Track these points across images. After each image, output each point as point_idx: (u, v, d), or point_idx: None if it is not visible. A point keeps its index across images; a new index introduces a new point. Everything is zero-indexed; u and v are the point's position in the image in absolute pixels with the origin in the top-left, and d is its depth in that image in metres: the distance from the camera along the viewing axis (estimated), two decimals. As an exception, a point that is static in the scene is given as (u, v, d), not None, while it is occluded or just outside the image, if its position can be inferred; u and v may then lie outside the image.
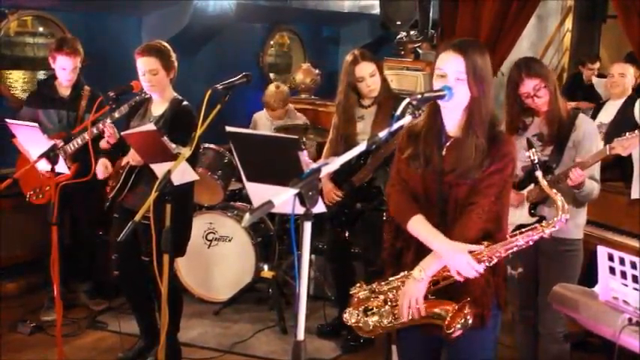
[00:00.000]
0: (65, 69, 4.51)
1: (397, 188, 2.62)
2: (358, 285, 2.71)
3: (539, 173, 2.61)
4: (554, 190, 2.56)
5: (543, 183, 2.58)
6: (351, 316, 2.67)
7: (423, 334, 2.55)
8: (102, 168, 3.83)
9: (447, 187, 2.49)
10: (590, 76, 7.33)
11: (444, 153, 2.51)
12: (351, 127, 4.18)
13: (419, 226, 2.51)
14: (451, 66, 2.42)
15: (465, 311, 2.41)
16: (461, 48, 2.43)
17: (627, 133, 3.21)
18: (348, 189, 4.19)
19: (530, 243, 2.45)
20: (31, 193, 4.49)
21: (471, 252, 2.40)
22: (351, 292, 2.72)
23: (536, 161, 2.67)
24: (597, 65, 7.38)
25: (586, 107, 7.52)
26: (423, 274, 2.46)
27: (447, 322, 2.42)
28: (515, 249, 2.44)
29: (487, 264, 2.43)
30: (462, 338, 2.43)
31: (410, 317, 2.49)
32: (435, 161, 2.51)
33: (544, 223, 2.47)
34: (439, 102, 2.44)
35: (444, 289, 2.50)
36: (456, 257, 2.40)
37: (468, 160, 2.43)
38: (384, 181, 4.11)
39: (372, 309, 2.63)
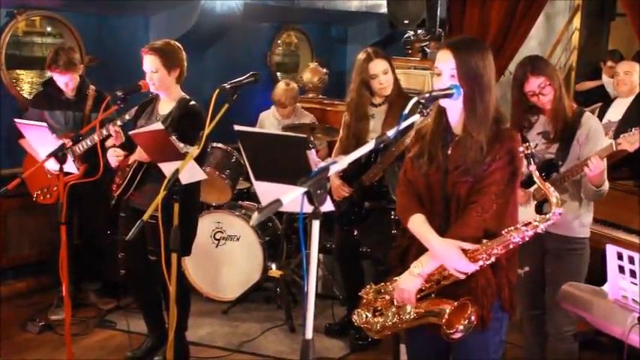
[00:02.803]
0: (60, 82, 4.53)
1: (402, 189, 2.64)
2: (368, 286, 2.71)
3: (532, 167, 2.53)
4: (548, 185, 2.51)
5: (536, 174, 2.50)
6: (359, 317, 2.67)
7: (430, 334, 2.53)
8: (114, 154, 3.82)
9: (450, 185, 2.48)
10: (608, 74, 7.31)
11: (449, 152, 2.51)
12: (363, 125, 4.17)
13: (417, 225, 2.53)
14: (444, 64, 2.43)
15: (468, 312, 2.38)
16: (451, 45, 2.44)
17: (633, 129, 3.21)
18: (358, 187, 4.18)
19: (527, 239, 2.39)
20: (38, 192, 4.50)
21: (465, 250, 2.38)
22: (360, 294, 2.72)
23: (529, 155, 2.59)
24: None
25: (593, 85, 7.52)
26: (419, 269, 2.46)
27: (445, 320, 2.39)
28: (511, 245, 2.39)
29: (485, 262, 2.40)
30: (465, 341, 2.41)
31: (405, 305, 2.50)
32: (439, 160, 2.51)
33: (538, 218, 2.41)
34: (444, 100, 2.43)
35: (445, 288, 2.49)
36: (446, 254, 2.41)
37: (467, 157, 2.43)
38: (392, 180, 4.11)
39: (380, 309, 2.63)
